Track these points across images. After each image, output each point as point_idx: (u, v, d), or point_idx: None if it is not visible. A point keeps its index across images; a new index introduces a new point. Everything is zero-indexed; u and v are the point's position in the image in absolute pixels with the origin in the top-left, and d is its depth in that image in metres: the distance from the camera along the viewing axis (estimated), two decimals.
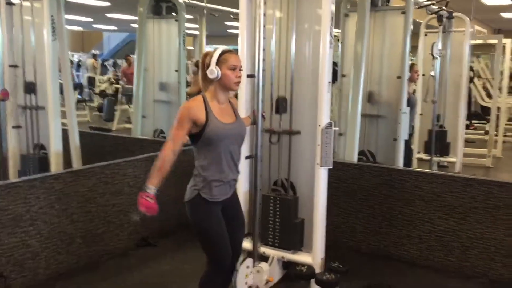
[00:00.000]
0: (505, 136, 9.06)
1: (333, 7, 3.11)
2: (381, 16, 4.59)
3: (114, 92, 12.37)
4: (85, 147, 4.86)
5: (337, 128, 3.44)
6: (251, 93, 3.34)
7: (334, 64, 4.34)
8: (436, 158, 6.64)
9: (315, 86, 3.19)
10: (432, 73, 6.42)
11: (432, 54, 6.15)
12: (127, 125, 10.24)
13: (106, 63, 17.43)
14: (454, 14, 6.61)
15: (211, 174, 2.52)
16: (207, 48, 15.17)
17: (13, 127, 4.67)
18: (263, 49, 3.08)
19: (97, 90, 13.25)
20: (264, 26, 3.05)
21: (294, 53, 3.31)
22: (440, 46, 6.20)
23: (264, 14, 3.05)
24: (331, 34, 3.11)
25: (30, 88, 4.51)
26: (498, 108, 8.35)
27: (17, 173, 4.72)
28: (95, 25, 18.94)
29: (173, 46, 5.76)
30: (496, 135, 8.35)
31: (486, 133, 9.51)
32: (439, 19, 6.39)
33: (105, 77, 14.63)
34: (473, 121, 10.70)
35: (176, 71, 5.75)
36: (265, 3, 3.03)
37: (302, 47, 3.35)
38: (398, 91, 4.55)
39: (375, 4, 4.55)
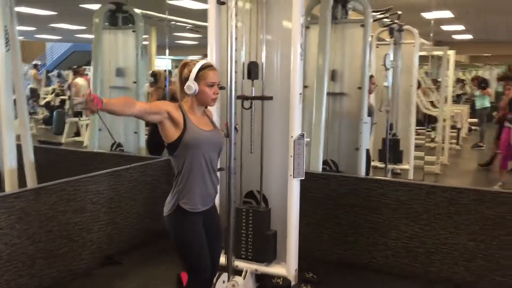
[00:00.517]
0: (450, 143, 9.47)
1: (302, 20, 3.15)
2: (340, 29, 4.69)
3: (59, 104, 11.96)
4: (38, 163, 4.64)
5: (308, 139, 3.47)
6: (221, 105, 3.32)
7: None
8: (390, 166, 6.84)
9: (286, 96, 3.22)
10: (385, 84, 6.63)
11: (384, 65, 6.35)
12: (77, 138, 9.93)
13: (49, 74, 16.86)
14: (404, 27, 6.87)
15: (190, 183, 2.48)
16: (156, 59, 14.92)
17: None
18: (235, 61, 3.07)
19: (41, 102, 12.76)
20: (236, 38, 3.04)
21: (264, 64, 3.32)
22: (391, 57, 6.43)
23: (236, 26, 3.04)
24: (301, 46, 3.15)
25: None
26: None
27: None
28: (37, 35, 18.31)
29: (130, 57, 5.64)
30: (443, 142, 8.71)
31: (432, 140, 9.92)
32: (391, 31, 6.64)
33: (49, 89, 14.11)
34: (416, 128, 11.12)
35: (135, 82, 5.63)
36: (236, 15, 3.02)
37: (271, 58, 3.37)
38: (359, 101, 4.65)
39: (335, 17, 4.65)
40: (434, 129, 10.84)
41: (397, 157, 6.96)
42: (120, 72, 5.71)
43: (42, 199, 3.42)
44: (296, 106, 3.19)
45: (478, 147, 10.48)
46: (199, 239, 2.53)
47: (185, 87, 2.50)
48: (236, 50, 3.06)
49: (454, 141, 10.40)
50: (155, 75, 6.27)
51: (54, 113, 9.36)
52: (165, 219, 2.56)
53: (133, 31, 5.61)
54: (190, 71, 2.51)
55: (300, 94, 3.20)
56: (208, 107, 2.71)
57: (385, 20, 6.23)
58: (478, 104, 11.07)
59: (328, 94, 4.59)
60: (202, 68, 2.51)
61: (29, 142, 4.58)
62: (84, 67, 14.93)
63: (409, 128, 7.04)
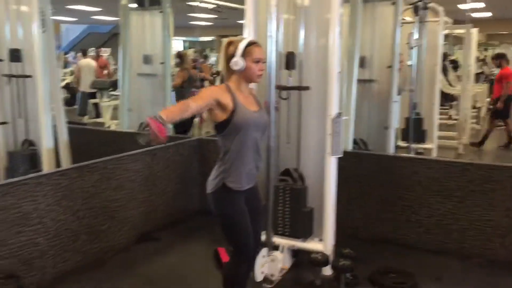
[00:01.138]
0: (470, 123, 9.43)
1: None
2: (371, 8, 4.68)
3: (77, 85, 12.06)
4: (71, 143, 4.73)
5: (346, 117, 3.50)
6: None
7: None
8: (413, 145, 6.85)
9: (324, 76, 3.25)
10: (409, 63, 6.60)
11: (409, 44, 6.31)
12: (98, 120, 10.04)
13: (66, 56, 16.99)
14: (429, 4, 6.80)
15: (238, 162, 2.52)
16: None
17: None
18: (276, 41, 3.09)
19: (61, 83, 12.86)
20: (275, 17, 3.06)
21: (303, 44, 3.35)
22: (416, 36, 6.39)
23: (276, 6, 3.06)
24: (340, 25, 3.17)
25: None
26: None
27: (4, 171, 4.56)
28: (53, 17, 18.38)
29: (157, 38, 5.68)
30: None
31: (449, 117, 9.90)
32: (415, 9, 6.58)
33: (68, 70, 14.22)
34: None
35: (162, 63, 5.68)
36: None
37: (310, 38, 3.40)
38: (389, 80, 4.66)
39: None
40: (451, 107, 10.81)
41: (421, 136, 6.95)
42: (147, 57, 5.75)
43: (86, 176, 3.52)
44: (334, 85, 3.22)
45: (498, 126, 10.40)
46: (243, 216, 2.58)
47: (231, 63, 2.53)
48: (276, 29, 3.08)
49: (475, 120, 10.33)
50: (180, 56, 6.33)
51: (78, 94, 9.45)
52: (210, 196, 2.60)
53: (160, 12, 5.63)
54: (236, 48, 2.53)
55: (339, 72, 3.23)
56: (252, 89, 2.75)
57: None
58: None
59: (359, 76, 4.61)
60: (249, 45, 2.54)
61: (63, 123, 4.67)
62: (101, 48, 15.01)
63: (432, 107, 7.01)
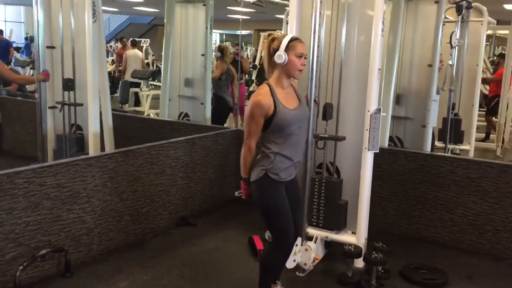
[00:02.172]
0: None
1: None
2: (413, 6, 4.69)
3: (119, 73, 12.39)
4: (115, 129, 4.93)
5: (384, 114, 3.55)
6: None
7: None
8: (450, 146, 6.80)
9: (364, 72, 3.32)
10: (450, 62, 6.55)
11: (450, 43, 6.27)
12: (137, 108, 10.32)
13: (107, 45, 17.43)
14: (473, 4, 6.73)
15: (279, 156, 2.63)
16: None
17: (49, 107, 4.74)
18: (318, 36, 3.18)
19: None
20: (320, 13, 3.15)
21: (345, 41, 3.43)
22: (458, 35, 6.33)
23: (321, 2, 3.14)
24: (383, 22, 3.22)
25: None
26: None
27: (52, 152, 4.81)
28: None
29: (200, 30, 5.83)
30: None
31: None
32: (458, 9, 6.52)
33: (109, 59, 14.61)
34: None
35: (203, 55, 5.83)
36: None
37: (351, 34, 3.47)
38: (429, 79, 4.67)
39: None
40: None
41: (458, 137, 6.91)
42: (189, 70, 5.93)
43: (130, 160, 3.69)
44: (374, 81, 3.28)
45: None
46: (284, 204, 2.69)
47: (275, 56, 2.62)
48: (320, 25, 3.17)
49: None
50: (222, 49, 6.45)
51: (120, 83, 9.74)
52: (252, 185, 2.72)
53: (204, 5, 5.78)
54: (280, 43, 2.63)
55: (379, 69, 3.29)
56: (294, 81, 2.84)
57: None
58: None
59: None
60: (292, 40, 2.63)
61: (108, 109, 4.86)
62: (139, 39, 15.32)
63: (471, 108, 6.94)
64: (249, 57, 16.67)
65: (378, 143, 3.34)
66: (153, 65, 15.95)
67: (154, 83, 12.10)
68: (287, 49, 2.61)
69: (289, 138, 2.64)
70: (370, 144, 3.33)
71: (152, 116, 8.56)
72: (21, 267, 2.91)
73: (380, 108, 3.31)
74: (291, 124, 2.63)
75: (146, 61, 13.82)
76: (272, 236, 2.79)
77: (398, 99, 4.87)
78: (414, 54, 4.75)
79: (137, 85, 10.39)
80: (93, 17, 4.38)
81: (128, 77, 10.27)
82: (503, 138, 8.04)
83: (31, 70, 11.05)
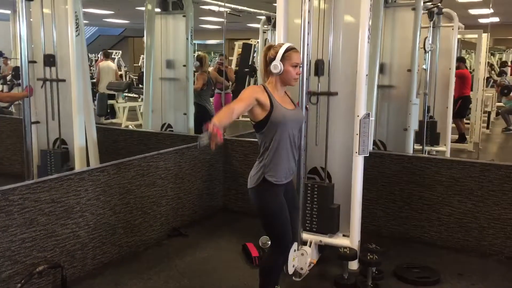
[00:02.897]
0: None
1: (370, 3, 3.32)
2: (391, 12, 4.83)
3: (92, 86, 12.22)
4: (99, 142, 4.89)
5: (372, 118, 3.64)
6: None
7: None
8: (427, 148, 6.99)
9: (351, 80, 3.41)
10: (424, 67, 6.75)
11: (424, 48, 6.47)
12: (114, 120, 10.22)
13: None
14: (443, 10, 6.96)
15: (276, 157, 2.68)
16: None
17: (32, 122, 4.67)
18: (307, 45, 3.26)
19: None
20: (308, 22, 3.23)
21: (331, 47, 3.51)
22: (431, 40, 6.54)
23: (309, 11, 3.22)
24: (369, 29, 3.32)
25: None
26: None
27: (36, 168, 4.73)
28: None
29: (181, 41, 5.85)
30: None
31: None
32: (430, 14, 6.74)
33: None
34: None
35: (184, 66, 5.85)
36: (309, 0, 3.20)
37: (336, 42, 3.55)
38: (408, 83, 4.81)
39: (386, 0, 4.79)
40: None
41: (434, 139, 7.10)
42: (170, 63, 5.93)
43: (122, 173, 3.68)
44: (363, 87, 3.37)
45: (508, 130, 10.53)
46: (283, 208, 2.74)
47: (271, 66, 2.69)
48: (308, 34, 3.25)
49: (484, 124, 10.45)
50: (200, 59, 6.47)
51: (97, 95, 9.63)
52: (251, 191, 2.75)
53: (184, 16, 5.81)
54: (276, 52, 2.70)
55: (366, 75, 3.38)
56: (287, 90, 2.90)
57: (428, 3, 6.32)
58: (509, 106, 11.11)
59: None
60: (288, 50, 2.70)
61: (92, 122, 4.83)
62: (111, 50, 15.20)
63: (446, 110, 7.15)
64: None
65: (368, 147, 3.43)
66: (126, 77, 15.82)
67: (129, 95, 12.01)
68: (282, 59, 2.68)
69: (286, 139, 2.69)
70: (360, 148, 3.42)
71: (131, 128, 8.50)
72: (18, 285, 2.86)
73: (369, 113, 3.40)
74: (288, 122, 2.68)
75: (119, 72, 13.72)
76: (272, 241, 2.83)
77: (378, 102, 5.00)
78: (394, 59, 4.88)
79: (112, 97, 10.28)
80: (76, 31, 4.36)
81: (102, 89, 10.16)
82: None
83: (1, 86, 10.84)
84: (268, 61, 2.74)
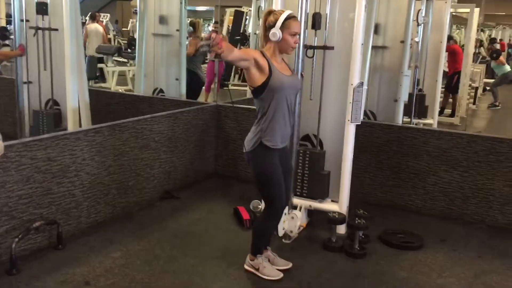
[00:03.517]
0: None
1: None
2: None
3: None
4: (92, 105, 4.88)
5: (366, 87, 3.70)
6: None
7: None
8: (414, 120, 7.10)
9: (346, 47, 3.45)
10: (416, 39, 6.80)
11: (417, 21, 6.49)
12: (103, 84, 10.14)
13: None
14: None
15: (274, 122, 2.75)
16: None
17: (24, 82, 4.65)
18: (306, 12, 3.28)
19: None
20: None
21: (329, 17, 3.54)
22: (423, 13, 6.57)
23: None
24: None
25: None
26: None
27: (29, 128, 4.74)
28: None
29: (174, 5, 5.80)
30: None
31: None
32: None
33: None
34: None
35: (177, 30, 5.82)
36: None
37: (333, 11, 3.58)
38: (400, 54, 4.86)
39: None
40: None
41: (422, 112, 7.20)
42: (163, 21, 5.88)
43: (117, 134, 3.71)
44: (357, 56, 3.42)
45: (494, 106, 10.69)
46: (278, 171, 2.82)
47: (270, 34, 2.72)
48: (306, 1, 3.26)
49: (471, 100, 10.59)
50: (193, 24, 6.45)
51: (87, 58, 9.51)
52: (247, 154, 2.82)
53: None
54: (276, 20, 2.72)
55: (362, 44, 3.43)
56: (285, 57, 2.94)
57: None
58: (499, 72, 11.21)
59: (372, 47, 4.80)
60: (288, 18, 2.73)
61: (84, 85, 4.81)
62: (99, 13, 14.97)
63: (435, 84, 7.24)
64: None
65: (360, 116, 3.50)
66: (114, 41, 15.62)
67: (118, 59, 11.89)
68: (282, 27, 2.71)
69: (283, 104, 2.75)
70: (352, 116, 3.49)
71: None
72: (16, 239, 2.92)
73: (362, 82, 3.46)
74: (286, 88, 2.74)
75: (107, 36, 13.52)
76: (265, 203, 2.92)
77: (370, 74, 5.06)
78: (387, 30, 4.92)
79: (101, 60, 10.17)
80: None
81: (90, 52, 10.03)
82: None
83: None
84: (267, 27, 2.76)
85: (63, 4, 4.27)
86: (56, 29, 4.47)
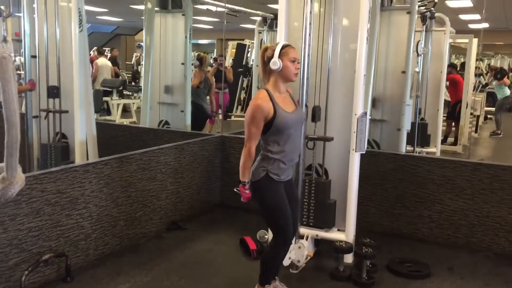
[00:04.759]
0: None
1: (369, 6, 3.45)
2: (387, 15, 4.97)
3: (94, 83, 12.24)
4: (98, 137, 4.95)
5: (370, 117, 3.77)
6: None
7: None
8: (418, 149, 7.15)
9: (349, 77, 3.53)
10: (417, 69, 6.92)
11: (416, 51, 6.63)
12: (108, 117, 10.26)
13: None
14: (436, 14, 7.13)
15: (279, 157, 2.80)
16: None
17: (33, 117, 4.74)
18: (308, 45, 3.37)
19: None
20: (310, 23, 3.34)
21: (331, 48, 3.63)
22: (423, 44, 6.71)
23: (310, 12, 3.34)
24: (367, 31, 3.45)
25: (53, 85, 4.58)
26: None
27: (36, 161, 4.80)
28: None
29: (179, 39, 5.94)
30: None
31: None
32: (423, 19, 6.91)
33: None
34: None
35: (183, 64, 5.94)
36: (311, 1, 3.32)
37: (336, 43, 3.68)
38: (402, 85, 4.95)
39: (382, 4, 4.93)
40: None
41: (425, 140, 7.26)
42: (168, 78, 6.03)
43: (124, 166, 3.76)
44: (360, 87, 3.50)
45: (496, 135, 10.75)
46: (284, 201, 2.85)
47: (271, 63, 2.78)
48: (309, 35, 3.37)
49: (473, 128, 10.65)
50: (201, 58, 6.60)
51: (93, 92, 9.66)
52: (252, 185, 2.86)
53: (183, 15, 5.90)
54: (273, 51, 2.80)
55: (364, 75, 3.51)
56: (289, 88, 3.01)
57: (421, 8, 6.48)
58: (500, 94, 11.30)
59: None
60: (284, 47, 2.81)
61: (92, 118, 4.90)
62: (105, 48, 15.24)
63: (437, 113, 7.32)
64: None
65: (364, 145, 3.55)
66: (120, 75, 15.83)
67: (126, 93, 12.04)
68: (280, 55, 2.79)
69: (288, 140, 2.81)
70: (357, 145, 3.54)
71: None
72: (26, 272, 2.94)
73: (366, 112, 3.53)
74: (290, 127, 2.80)
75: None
76: (273, 233, 2.94)
77: (374, 104, 5.14)
78: (388, 61, 5.02)
79: (106, 94, 10.33)
80: (80, 27, 4.43)
81: (97, 85, 10.21)
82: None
83: None
84: (266, 61, 2.83)
85: (72, 40, 4.39)
86: (67, 111, 4.62)
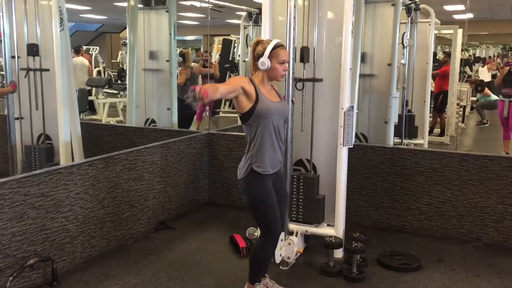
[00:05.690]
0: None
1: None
2: (372, 8, 4.95)
3: None
4: (83, 137, 4.88)
5: (357, 111, 3.75)
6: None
7: None
8: (405, 141, 7.16)
9: (335, 74, 3.50)
10: (403, 61, 6.91)
11: (402, 43, 6.62)
12: (94, 117, 10.15)
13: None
14: (420, 6, 7.12)
15: (262, 148, 2.77)
16: None
17: (15, 118, 4.66)
18: (293, 39, 3.33)
19: None
20: (294, 18, 3.30)
21: (316, 42, 3.60)
22: (408, 36, 6.70)
23: (294, 6, 3.30)
24: (352, 24, 3.42)
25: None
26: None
27: (21, 164, 4.72)
28: None
29: (163, 36, 5.87)
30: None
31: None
32: (408, 10, 6.90)
33: None
34: None
35: (168, 61, 5.87)
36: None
37: (320, 36, 3.64)
38: (388, 77, 4.94)
39: None
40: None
41: (413, 132, 7.27)
42: (153, 54, 5.94)
43: (110, 167, 3.70)
44: (347, 80, 3.47)
45: (482, 124, 10.80)
46: (271, 196, 2.82)
47: (258, 63, 2.77)
48: (294, 29, 3.33)
49: (460, 118, 10.70)
50: (183, 54, 6.52)
51: (77, 91, 9.54)
52: (240, 181, 2.84)
53: (166, 11, 5.83)
54: (264, 49, 2.77)
55: (350, 69, 3.48)
56: (274, 84, 2.98)
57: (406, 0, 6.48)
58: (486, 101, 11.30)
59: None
60: (275, 47, 2.77)
61: (76, 118, 4.82)
62: (87, 46, 15.06)
63: (423, 104, 7.33)
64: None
65: (352, 139, 3.53)
66: (104, 73, 15.67)
67: (108, 91, 11.91)
68: (270, 56, 2.76)
69: (271, 130, 2.77)
70: (344, 139, 3.52)
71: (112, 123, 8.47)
72: (10, 278, 2.88)
73: (353, 106, 3.50)
74: (272, 113, 2.76)
75: (97, 69, 13.60)
76: (261, 230, 2.91)
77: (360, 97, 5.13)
78: (374, 54, 5.00)
79: (91, 93, 10.21)
80: (61, 26, 4.35)
81: (79, 85, 10.05)
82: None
83: None
84: (256, 57, 2.81)
85: (53, 41, 4.31)
86: (48, 70, 4.50)
